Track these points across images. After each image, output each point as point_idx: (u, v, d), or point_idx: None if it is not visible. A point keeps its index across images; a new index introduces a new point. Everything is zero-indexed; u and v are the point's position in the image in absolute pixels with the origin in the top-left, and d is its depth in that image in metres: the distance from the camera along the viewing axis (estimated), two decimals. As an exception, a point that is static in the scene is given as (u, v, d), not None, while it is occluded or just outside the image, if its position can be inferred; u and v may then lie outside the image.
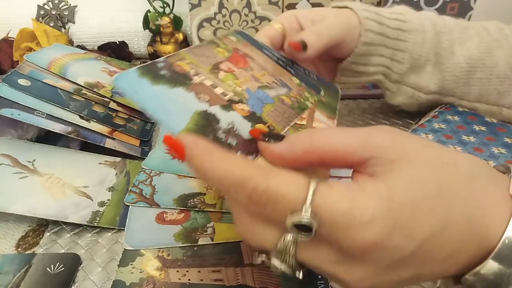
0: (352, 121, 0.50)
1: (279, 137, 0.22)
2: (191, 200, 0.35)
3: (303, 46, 0.35)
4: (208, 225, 0.33)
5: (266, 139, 0.22)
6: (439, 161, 0.18)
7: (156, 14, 0.62)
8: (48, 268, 0.29)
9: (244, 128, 0.23)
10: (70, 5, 0.67)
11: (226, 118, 0.23)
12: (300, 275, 0.19)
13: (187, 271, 0.29)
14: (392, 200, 0.17)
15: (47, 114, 0.40)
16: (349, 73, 0.43)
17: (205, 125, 0.22)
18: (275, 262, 0.19)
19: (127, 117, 0.46)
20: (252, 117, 0.24)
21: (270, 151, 0.20)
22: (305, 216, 0.17)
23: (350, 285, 0.18)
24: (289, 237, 0.18)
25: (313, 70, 0.39)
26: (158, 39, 0.63)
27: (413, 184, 0.17)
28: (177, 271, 0.29)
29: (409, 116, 0.51)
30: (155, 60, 0.25)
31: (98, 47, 0.65)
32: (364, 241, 0.16)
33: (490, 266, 0.17)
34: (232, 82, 0.27)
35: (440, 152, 0.19)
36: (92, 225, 0.33)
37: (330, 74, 0.44)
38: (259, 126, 0.24)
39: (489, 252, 0.18)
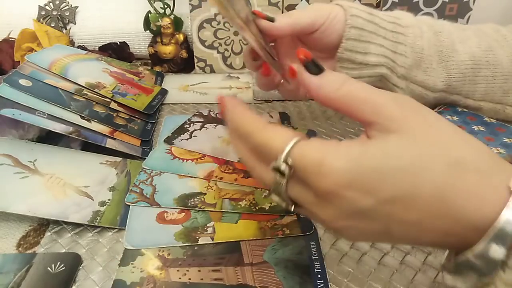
0: (351, 121, 0.50)
1: (317, 68, 0.24)
2: (192, 200, 0.35)
3: (269, 19, 0.37)
4: (208, 225, 0.33)
5: (305, 65, 0.24)
6: (432, 142, 0.20)
7: (157, 15, 0.62)
8: (49, 268, 0.30)
9: None
10: (71, 5, 0.67)
11: None
12: (291, 208, 0.23)
13: (187, 271, 0.29)
14: (358, 163, 0.20)
15: (48, 114, 0.40)
16: (347, 64, 0.42)
17: None
18: (273, 197, 0.23)
19: (128, 117, 0.46)
20: None
21: (303, 79, 0.24)
22: (278, 163, 0.21)
23: (326, 223, 0.22)
24: (278, 177, 0.22)
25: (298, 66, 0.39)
26: (159, 40, 0.63)
27: (387, 155, 0.20)
28: (178, 271, 0.29)
29: (408, 116, 0.51)
30: None
31: (99, 47, 0.65)
32: (325, 186, 0.20)
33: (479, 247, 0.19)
34: None
35: (440, 134, 0.20)
36: (93, 224, 0.33)
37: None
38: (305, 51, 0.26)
39: (479, 232, 0.19)
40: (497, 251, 0.18)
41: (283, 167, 0.21)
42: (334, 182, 0.20)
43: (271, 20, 0.37)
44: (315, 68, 0.24)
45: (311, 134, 0.25)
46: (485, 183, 0.19)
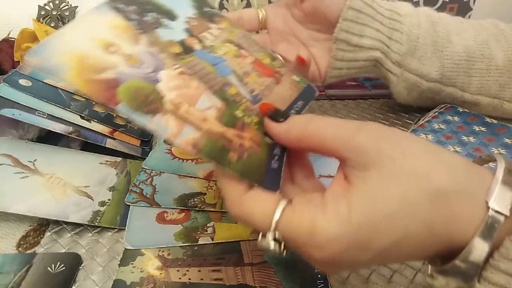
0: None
1: (282, 115, 0.24)
2: (192, 200, 0.35)
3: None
4: (208, 225, 0.33)
5: (270, 115, 0.25)
6: (410, 174, 0.19)
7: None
8: (49, 268, 0.30)
9: None
10: (70, 5, 0.67)
11: None
12: (284, 254, 0.22)
13: (187, 271, 0.29)
14: (351, 222, 0.19)
15: (48, 114, 0.40)
16: (343, 45, 0.42)
17: None
18: (266, 244, 0.22)
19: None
20: None
21: (270, 128, 0.24)
22: (268, 243, 0.20)
23: (324, 273, 0.24)
24: (269, 250, 0.21)
25: (306, 53, 0.39)
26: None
27: (375, 204, 0.19)
28: (178, 271, 0.29)
29: (408, 116, 0.51)
30: None
31: (99, 47, 0.65)
32: (322, 257, 0.19)
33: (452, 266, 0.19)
34: None
35: (415, 162, 0.20)
36: (92, 224, 0.33)
37: (327, 55, 0.44)
38: (268, 103, 0.26)
39: (457, 251, 0.19)
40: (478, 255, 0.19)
41: (273, 245, 0.20)
42: (331, 251, 0.19)
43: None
44: (280, 116, 0.24)
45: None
46: (468, 205, 0.19)
